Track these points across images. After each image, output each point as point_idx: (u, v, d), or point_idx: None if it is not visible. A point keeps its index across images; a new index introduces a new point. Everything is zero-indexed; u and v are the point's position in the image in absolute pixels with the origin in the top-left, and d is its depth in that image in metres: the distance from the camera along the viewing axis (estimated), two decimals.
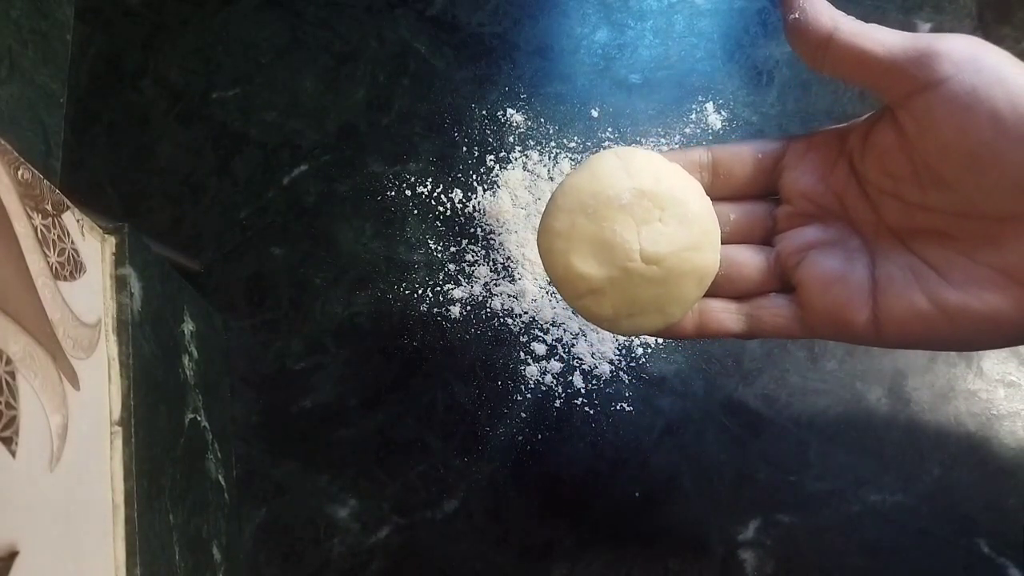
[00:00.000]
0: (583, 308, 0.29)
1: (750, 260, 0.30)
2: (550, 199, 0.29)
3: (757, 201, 0.30)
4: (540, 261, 0.42)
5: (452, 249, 0.44)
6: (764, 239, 0.30)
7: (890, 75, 0.24)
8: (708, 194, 0.29)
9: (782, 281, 0.29)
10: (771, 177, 0.30)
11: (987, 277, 0.25)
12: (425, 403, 0.41)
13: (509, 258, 0.43)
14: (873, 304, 0.27)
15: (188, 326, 0.38)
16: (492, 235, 0.44)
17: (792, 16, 0.26)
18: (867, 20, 0.25)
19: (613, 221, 0.28)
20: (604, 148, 0.45)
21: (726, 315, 0.30)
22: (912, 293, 0.26)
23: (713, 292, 0.29)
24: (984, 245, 0.25)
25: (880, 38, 0.25)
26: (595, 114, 0.46)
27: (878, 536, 0.38)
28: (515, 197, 0.44)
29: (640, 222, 0.27)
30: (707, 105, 0.46)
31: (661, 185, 0.28)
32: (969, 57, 0.23)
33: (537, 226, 0.43)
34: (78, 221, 0.30)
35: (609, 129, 0.45)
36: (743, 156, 0.30)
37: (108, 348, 0.30)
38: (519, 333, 0.42)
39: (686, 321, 0.30)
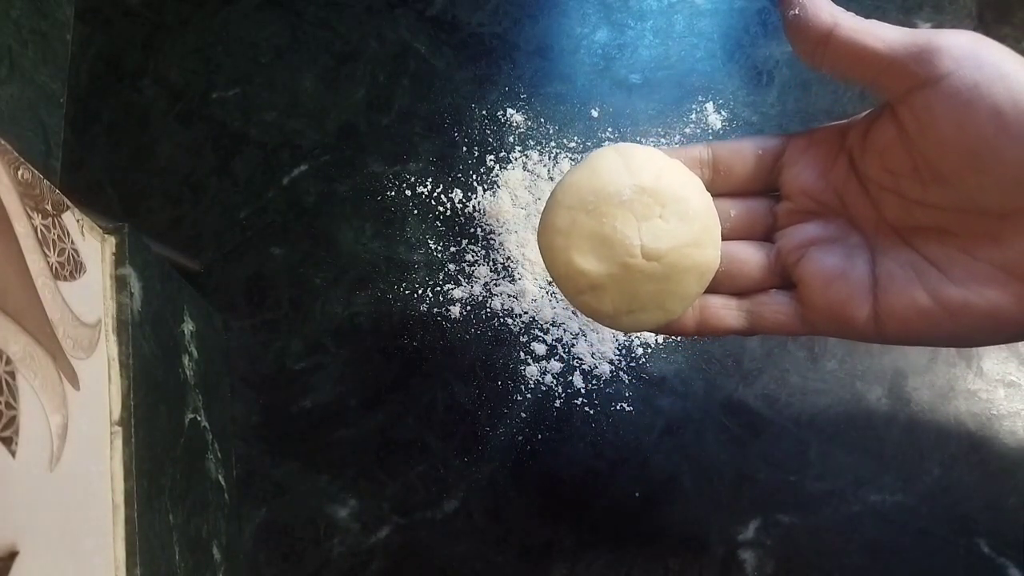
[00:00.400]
0: (583, 304, 0.29)
1: (751, 257, 0.30)
2: (550, 195, 0.29)
3: (758, 197, 0.30)
4: (540, 261, 0.42)
5: (452, 249, 0.44)
6: (765, 235, 0.30)
7: (890, 71, 0.24)
8: (709, 190, 0.29)
9: (783, 277, 0.29)
10: (771, 174, 0.30)
11: (988, 273, 0.25)
12: (425, 403, 0.41)
13: (509, 258, 0.43)
14: (874, 301, 0.27)
15: (188, 326, 0.38)
16: (492, 235, 0.44)
17: (791, 12, 0.25)
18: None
19: (614, 218, 0.27)
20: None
21: (727, 311, 0.30)
22: (913, 290, 0.26)
23: (714, 288, 0.29)
24: (985, 241, 0.25)
25: (880, 34, 0.24)
26: (595, 114, 0.46)
27: (878, 536, 0.38)
28: (515, 197, 0.44)
29: (641, 218, 0.27)
30: (707, 105, 0.46)
31: (662, 181, 0.28)
32: (970, 53, 0.23)
33: (537, 226, 0.43)
34: (78, 221, 0.30)
35: (609, 129, 0.45)
36: (743, 152, 0.30)
37: (108, 348, 0.30)
38: (519, 333, 0.42)
39: (687, 317, 0.30)
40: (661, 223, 0.27)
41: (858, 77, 0.26)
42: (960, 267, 0.25)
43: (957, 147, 0.24)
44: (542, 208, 0.43)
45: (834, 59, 0.25)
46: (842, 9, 0.25)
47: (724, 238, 0.29)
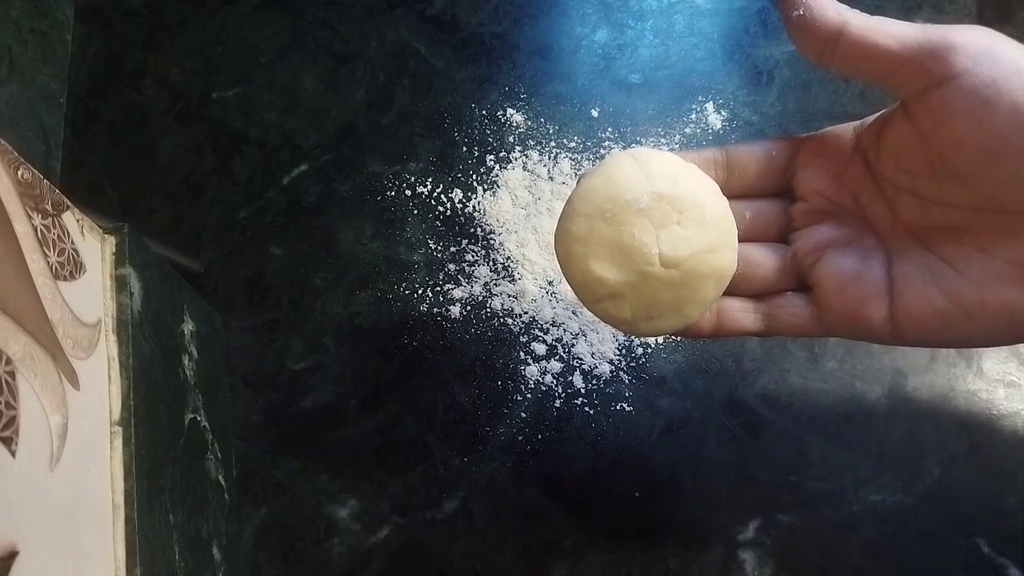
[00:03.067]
0: (602, 311, 0.29)
1: (766, 259, 0.30)
2: (567, 203, 0.29)
3: (772, 199, 0.30)
4: (540, 261, 0.43)
5: (452, 249, 0.44)
6: (779, 237, 0.30)
7: (904, 70, 0.24)
8: (723, 192, 0.29)
9: (798, 279, 0.29)
10: (785, 175, 0.29)
11: (1004, 272, 0.24)
12: (425, 403, 0.41)
13: (509, 258, 0.43)
14: (890, 303, 0.27)
15: (188, 326, 0.38)
16: (492, 235, 0.44)
17: (795, 13, 0.25)
18: None
19: (631, 225, 0.27)
20: (604, 148, 0.45)
21: (743, 314, 0.30)
22: (929, 291, 0.26)
23: (729, 290, 0.29)
24: (1001, 239, 0.25)
25: (892, 31, 0.24)
26: (595, 114, 0.46)
27: (878, 536, 0.38)
28: (515, 197, 0.44)
29: (658, 226, 0.27)
30: (707, 105, 0.46)
31: (679, 188, 0.28)
32: (985, 49, 0.23)
33: (537, 226, 0.43)
34: (78, 221, 0.30)
35: (609, 129, 0.45)
36: (757, 154, 0.29)
37: (108, 348, 0.30)
38: (519, 333, 0.42)
39: (703, 320, 0.30)
40: (679, 230, 0.27)
41: (869, 76, 0.25)
42: (977, 266, 0.25)
43: (975, 144, 0.23)
44: (542, 208, 0.44)
45: (844, 59, 0.25)
46: (847, 7, 0.25)
47: (739, 240, 0.29)
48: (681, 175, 0.28)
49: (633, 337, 0.42)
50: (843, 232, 0.28)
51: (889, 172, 0.27)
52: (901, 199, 0.27)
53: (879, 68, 0.25)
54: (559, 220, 0.29)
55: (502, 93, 0.47)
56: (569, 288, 0.42)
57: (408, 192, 0.45)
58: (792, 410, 0.40)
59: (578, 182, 0.29)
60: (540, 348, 0.41)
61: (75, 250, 0.29)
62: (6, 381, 0.23)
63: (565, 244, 0.29)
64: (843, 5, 0.25)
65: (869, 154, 0.27)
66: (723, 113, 0.45)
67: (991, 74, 0.23)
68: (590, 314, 0.42)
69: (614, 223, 0.28)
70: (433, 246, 0.44)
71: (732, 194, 0.29)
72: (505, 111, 0.46)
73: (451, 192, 0.45)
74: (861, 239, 0.28)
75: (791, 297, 0.29)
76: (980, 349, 0.41)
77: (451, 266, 0.43)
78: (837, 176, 0.28)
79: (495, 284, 0.43)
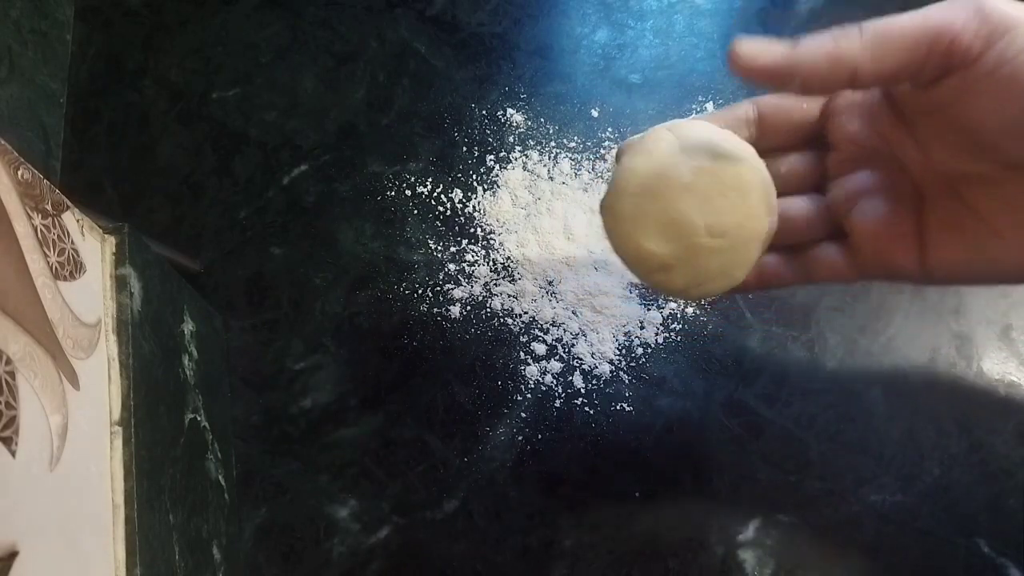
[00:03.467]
0: (656, 283, 0.30)
1: (803, 211, 0.30)
2: (612, 182, 0.30)
3: (805, 151, 0.31)
4: (540, 261, 0.43)
5: (452, 249, 0.44)
6: (814, 187, 0.31)
7: (922, 73, 0.24)
8: (757, 148, 0.29)
9: (834, 227, 0.30)
10: (817, 125, 0.30)
11: None
12: (425, 403, 0.41)
13: (509, 258, 0.43)
14: (921, 247, 0.27)
15: (188, 326, 0.38)
16: (492, 235, 0.44)
17: (792, 88, 0.25)
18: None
19: (676, 200, 0.28)
20: (604, 148, 0.45)
21: (782, 267, 0.30)
22: (959, 236, 0.26)
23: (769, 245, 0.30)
24: None
25: (901, 32, 0.24)
26: (595, 114, 0.46)
27: (878, 536, 0.38)
28: (515, 197, 0.44)
29: (703, 199, 0.28)
30: (707, 105, 0.46)
31: (718, 159, 0.28)
32: (1000, 26, 0.23)
33: (537, 226, 0.43)
34: (78, 221, 0.30)
35: (609, 129, 0.45)
36: (788, 107, 0.30)
37: (108, 348, 0.30)
38: (519, 333, 0.42)
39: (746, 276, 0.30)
40: (722, 200, 0.28)
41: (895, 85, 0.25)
42: (1005, 214, 0.25)
43: (995, 122, 0.24)
44: (542, 208, 0.44)
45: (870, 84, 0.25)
46: (843, 30, 0.24)
47: (776, 195, 0.30)
48: (719, 145, 0.29)
49: (633, 337, 0.42)
50: (877, 179, 0.29)
51: (920, 117, 0.27)
52: (933, 145, 0.27)
53: (903, 75, 0.24)
54: (605, 199, 0.30)
55: (502, 93, 0.47)
56: (569, 288, 0.42)
57: (408, 192, 0.45)
58: (792, 410, 0.40)
59: (617, 158, 0.30)
60: (540, 348, 0.41)
61: (75, 250, 0.29)
62: (6, 381, 0.23)
63: (615, 223, 0.30)
64: (840, 33, 0.24)
65: (899, 99, 0.28)
66: None
67: (1008, 54, 0.23)
68: (590, 314, 0.42)
69: (660, 200, 0.28)
70: (433, 246, 0.44)
71: (766, 149, 0.30)
72: (505, 111, 0.46)
73: (451, 192, 0.45)
74: (894, 186, 0.28)
75: (826, 246, 0.30)
76: (980, 349, 0.41)
77: (451, 266, 0.43)
78: (869, 121, 0.29)
79: (495, 284, 0.43)
